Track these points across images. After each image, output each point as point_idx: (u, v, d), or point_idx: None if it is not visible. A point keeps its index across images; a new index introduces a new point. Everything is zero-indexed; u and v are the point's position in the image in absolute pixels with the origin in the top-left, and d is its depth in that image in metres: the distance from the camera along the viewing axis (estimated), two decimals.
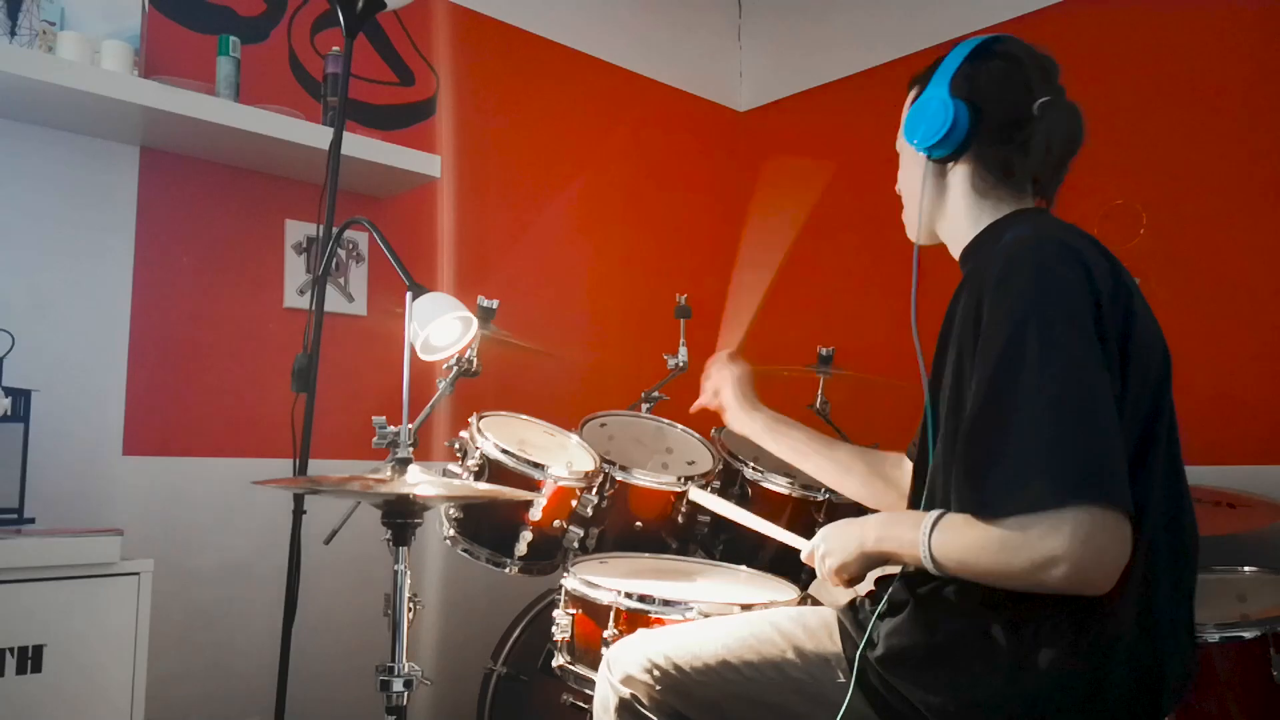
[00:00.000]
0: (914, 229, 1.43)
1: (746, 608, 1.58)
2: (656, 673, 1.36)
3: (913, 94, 1.40)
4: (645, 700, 1.38)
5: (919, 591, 1.21)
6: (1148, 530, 1.16)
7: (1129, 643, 1.14)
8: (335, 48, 2.44)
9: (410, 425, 1.55)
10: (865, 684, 1.22)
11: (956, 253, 1.39)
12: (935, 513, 1.17)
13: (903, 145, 1.42)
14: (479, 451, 1.94)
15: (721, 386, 1.77)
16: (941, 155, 1.33)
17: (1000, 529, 1.07)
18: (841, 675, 1.24)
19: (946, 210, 1.37)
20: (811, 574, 2.10)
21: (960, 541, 1.13)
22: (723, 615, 1.54)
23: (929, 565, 1.16)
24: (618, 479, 2.01)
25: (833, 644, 1.28)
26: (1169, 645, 1.17)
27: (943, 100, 1.30)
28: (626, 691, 1.39)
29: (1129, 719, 1.15)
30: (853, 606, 1.33)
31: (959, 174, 1.35)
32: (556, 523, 1.96)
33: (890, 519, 1.30)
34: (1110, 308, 1.15)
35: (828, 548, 1.34)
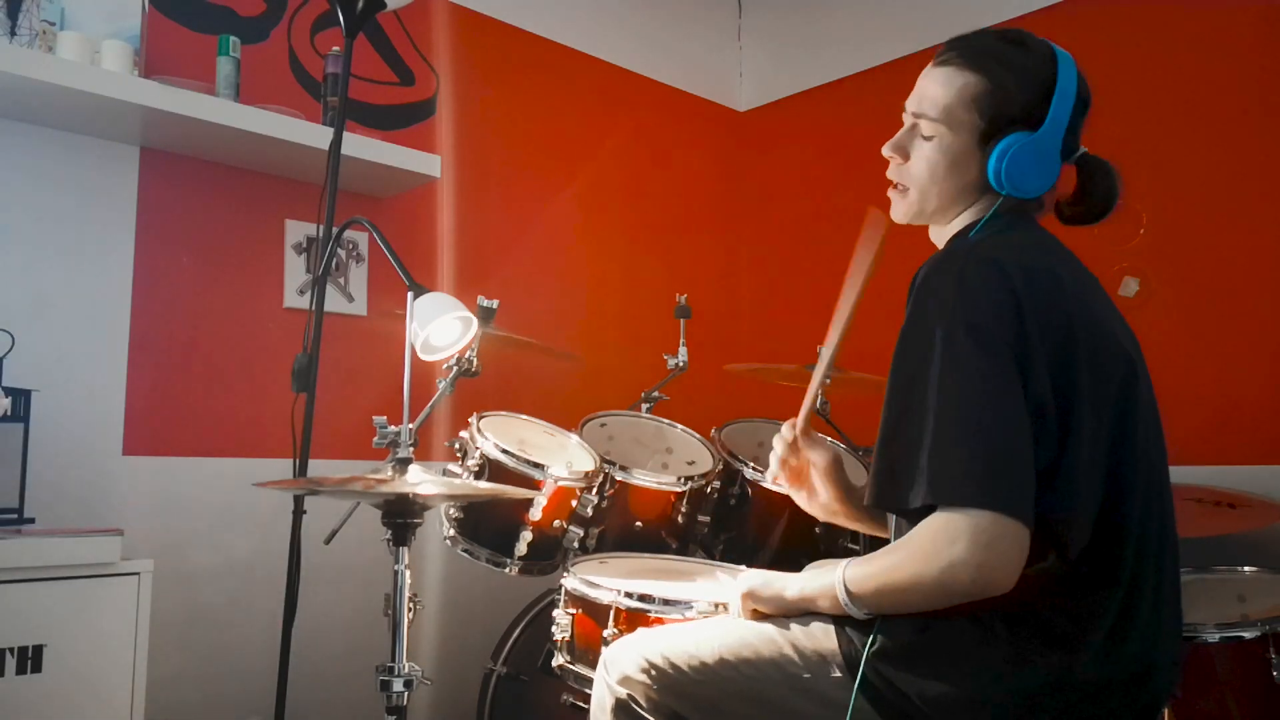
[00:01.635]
0: (913, 215, 1.38)
1: None
2: (654, 673, 1.36)
3: (980, 82, 1.29)
4: (643, 700, 1.38)
5: None
6: (1133, 527, 1.19)
7: (1119, 637, 1.16)
8: (335, 48, 2.44)
9: (410, 425, 1.55)
10: (863, 679, 1.23)
11: (940, 243, 1.40)
12: (849, 559, 1.24)
13: (940, 133, 1.30)
14: (479, 451, 1.94)
15: (807, 472, 1.56)
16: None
17: (914, 541, 1.13)
18: (839, 671, 1.25)
19: (960, 215, 1.36)
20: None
21: (874, 567, 1.20)
22: (720, 615, 1.54)
23: (846, 603, 1.22)
24: (618, 479, 2.01)
25: (829, 641, 1.28)
26: (1158, 638, 1.20)
27: (1055, 159, 1.27)
28: (624, 692, 1.39)
29: (1121, 711, 1.17)
30: None
31: (993, 197, 1.31)
32: (556, 523, 1.96)
33: (812, 572, 1.33)
34: (1040, 323, 1.15)
35: (751, 579, 1.38)
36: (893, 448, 1.17)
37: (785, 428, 1.54)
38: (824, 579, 1.27)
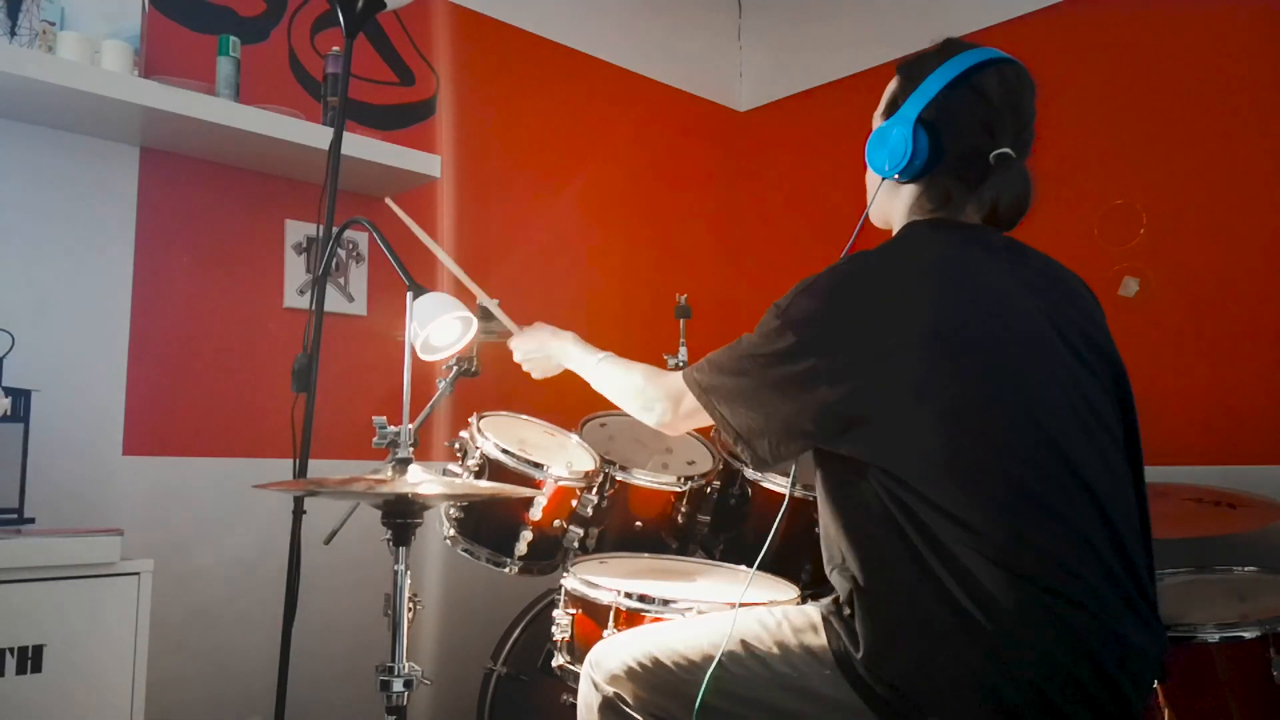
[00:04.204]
0: (874, 214, 1.50)
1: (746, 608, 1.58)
2: (641, 672, 1.36)
3: (894, 84, 1.44)
4: (630, 699, 1.38)
5: (889, 579, 1.22)
6: (1116, 517, 1.20)
7: (1101, 621, 1.16)
8: (335, 48, 2.44)
9: (410, 425, 1.55)
10: (856, 680, 1.23)
11: None
12: (606, 355, 1.68)
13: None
14: (479, 451, 1.94)
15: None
16: (901, 180, 1.38)
17: (657, 376, 1.53)
18: (829, 669, 1.25)
19: (892, 215, 1.46)
20: (812, 575, 2.10)
21: (625, 381, 1.60)
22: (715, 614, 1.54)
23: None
24: (618, 479, 2.01)
25: (818, 638, 1.28)
26: (1139, 623, 1.21)
27: (905, 132, 1.33)
28: (610, 691, 1.39)
29: (1108, 693, 1.17)
30: (837, 602, 1.33)
31: (908, 190, 1.41)
32: (556, 522, 1.96)
33: (576, 347, 1.76)
34: (920, 312, 1.21)
35: (525, 352, 1.84)
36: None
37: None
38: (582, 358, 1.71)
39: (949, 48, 1.39)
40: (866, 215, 1.47)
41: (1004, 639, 1.14)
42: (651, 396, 1.51)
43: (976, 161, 1.34)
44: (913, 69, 1.40)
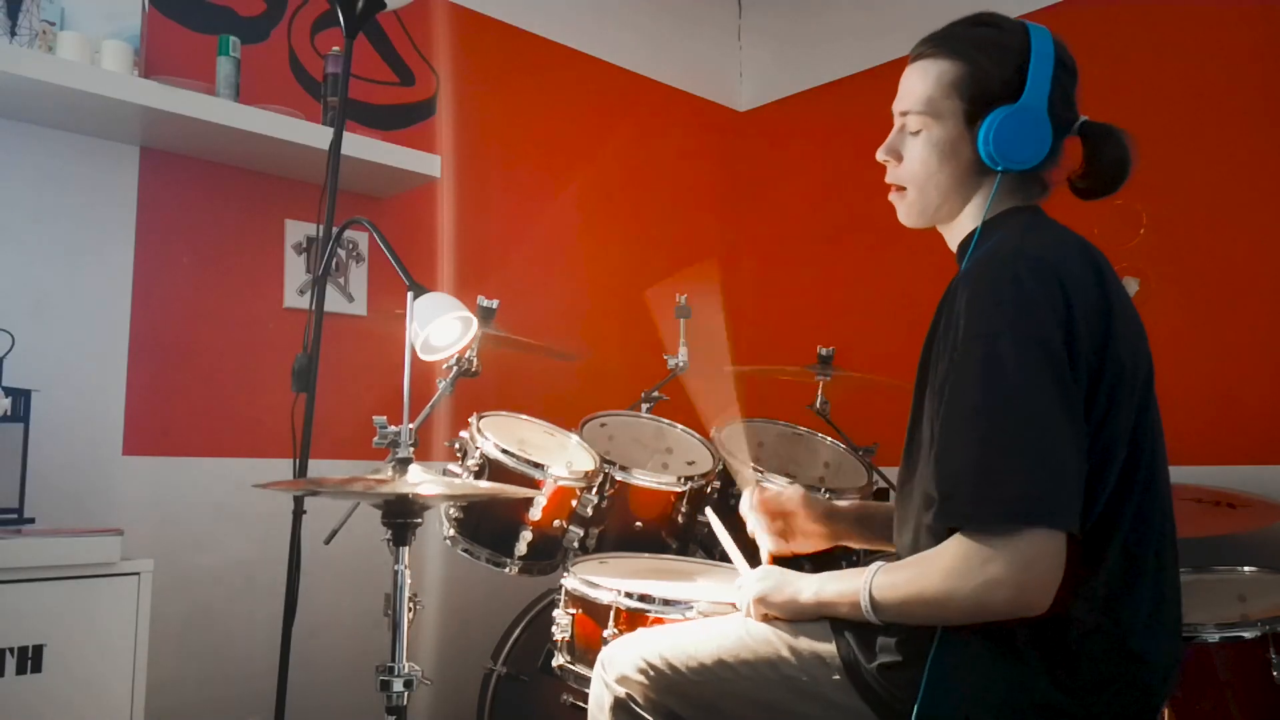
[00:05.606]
0: (917, 216, 1.36)
1: None
2: (652, 672, 1.36)
3: (962, 68, 1.29)
4: (640, 700, 1.38)
5: None
6: (1155, 530, 1.20)
7: (1126, 642, 1.16)
8: (335, 48, 2.44)
9: (410, 425, 1.55)
10: (864, 686, 1.22)
11: (954, 244, 1.37)
12: (877, 564, 1.21)
13: (927, 125, 1.30)
14: (479, 451, 1.94)
15: (793, 523, 1.60)
16: (1011, 171, 1.26)
17: (946, 557, 1.11)
18: (838, 674, 1.25)
19: (964, 208, 1.33)
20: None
21: (904, 576, 1.17)
22: (720, 615, 1.54)
23: (869, 611, 1.19)
24: (618, 479, 2.01)
25: (827, 644, 1.28)
26: (1160, 641, 1.20)
27: (1045, 126, 1.24)
28: (622, 691, 1.39)
29: (1126, 713, 1.17)
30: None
31: (1002, 178, 1.28)
32: (556, 523, 1.96)
33: (831, 574, 1.30)
34: (1086, 324, 1.15)
35: (763, 583, 1.35)
36: (945, 464, 1.14)
37: (743, 508, 1.62)
38: (845, 584, 1.23)
39: (1008, 22, 1.32)
40: (982, 224, 1.29)
41: (1030, 664, 1.14)
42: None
43: (1065, 137, 1.29)
44: (988, 49, 1.28)
